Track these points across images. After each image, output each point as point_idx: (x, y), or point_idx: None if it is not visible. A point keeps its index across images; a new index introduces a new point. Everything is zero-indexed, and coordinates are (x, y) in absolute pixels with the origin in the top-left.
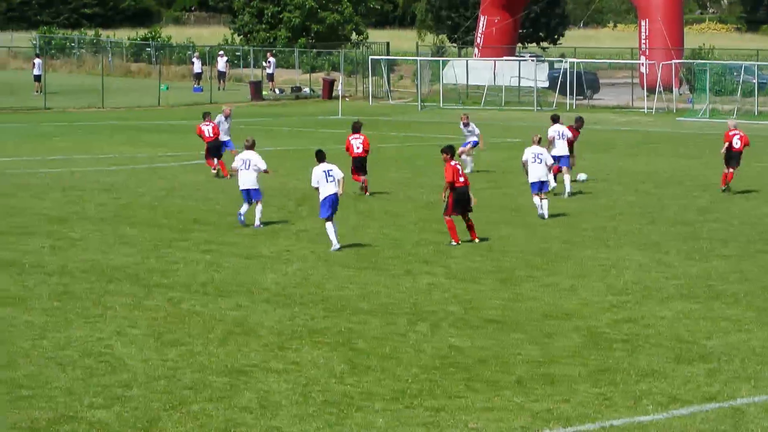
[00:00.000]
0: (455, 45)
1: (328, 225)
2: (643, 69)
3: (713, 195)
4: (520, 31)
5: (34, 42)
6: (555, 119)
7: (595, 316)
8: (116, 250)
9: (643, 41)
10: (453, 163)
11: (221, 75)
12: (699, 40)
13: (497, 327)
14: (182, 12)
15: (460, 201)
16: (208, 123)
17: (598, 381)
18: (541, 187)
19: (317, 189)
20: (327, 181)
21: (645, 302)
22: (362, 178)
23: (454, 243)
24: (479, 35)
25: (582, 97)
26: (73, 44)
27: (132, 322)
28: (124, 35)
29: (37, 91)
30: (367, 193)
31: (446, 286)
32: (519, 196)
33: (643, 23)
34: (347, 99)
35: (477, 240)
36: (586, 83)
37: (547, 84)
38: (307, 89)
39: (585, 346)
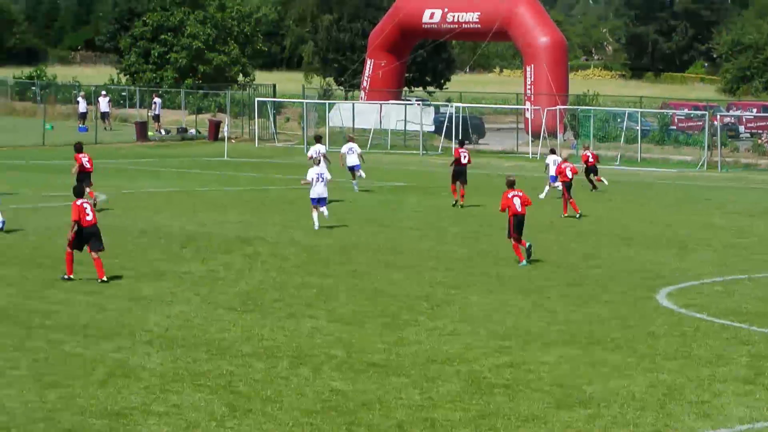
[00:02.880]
0: (342, 88)
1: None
2: (528, 114)
3: (595, 240)
4: (407, 75)
5: None
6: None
7: (477, 361)
8: None
9: (528, 86)
10: None
11: (104, 115)
12: (584, 86)
13: (380, 371)
14: (69, 51)
15: None
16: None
17: (479, 426)
18: None
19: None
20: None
21: (527, 347)
22: None
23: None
24: (366, 78)
25: (468, 142)
26: None
27: (12, 363)
28: (9, 73)
29: None
30: None
31: (329, 329)
32: (402, 238)
33: (528, 69)
34: (233, 141)
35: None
36: (472, 128)
37: (433, 128)
38: (193, 130)
39: (466, 390)
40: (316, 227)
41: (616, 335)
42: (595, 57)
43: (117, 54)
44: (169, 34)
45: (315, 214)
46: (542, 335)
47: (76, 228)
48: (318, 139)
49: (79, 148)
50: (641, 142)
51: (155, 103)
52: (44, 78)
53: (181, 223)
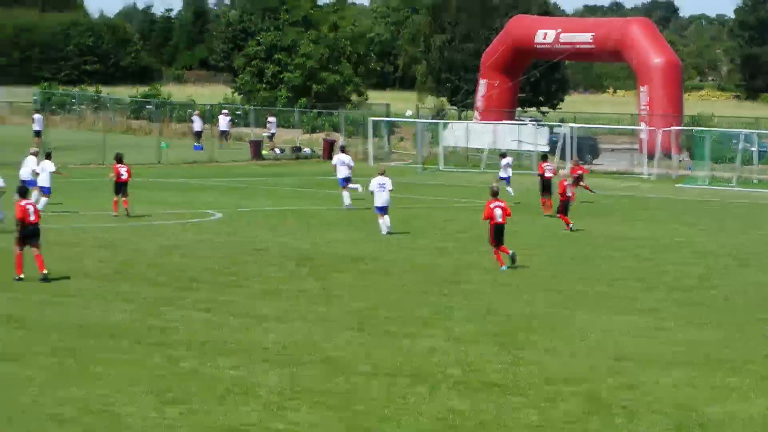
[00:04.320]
0: (455, 107)
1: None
2: (643, 135)
3: (712, 262)
4: (520, 95)
5: (35, 97)
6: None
7: (595, 382)
8: (116, 307)
9: (642, 107)
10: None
11: (223, 133)
12: (698, 107)
13: (497, 391)
14: (183, 70)
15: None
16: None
17: None
18: None
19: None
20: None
21: (644, 369)
22: None
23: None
24: (479, 98)
25: (582, 162)
26: (74, 100)
27: (132, 380)
28: (125, 92)
29: (36, 147)
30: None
31: (446, 348)
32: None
33: (642, 89)
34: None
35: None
36: (586, 148)
37: (547, 148)
38: (307, 149)
39: (585, 411)
40: (384, 233)
41: (734, 357)
42: (709, 78)
43: (231, 73)
44: (282, 53)
45: (380, 221)
46: (660, 357)
47: (20, 227)
48: (342, 149)
49: (119, 158)
50: (758, 163)
51: (270, 122)
52: (159, 97)
53: (296, 242)
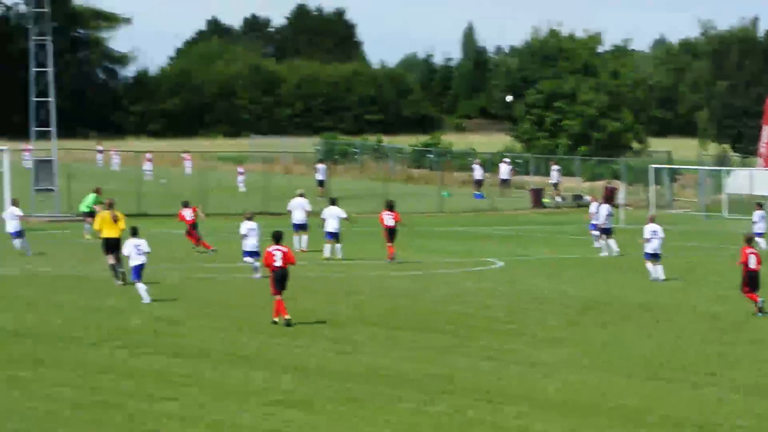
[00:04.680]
0: (738, 154)
1: None
2: None
3: None
4: None
5: (318, 147)
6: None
7: None
8: (398, 354)
9: None
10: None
11: (504, 182)
12: None
13: None
14: (463, 119)
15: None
16: (188, 209)
17: None
18: None
19: None
20: None
21: None
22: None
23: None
24: (763, 145)
25: None
26: (355, 150)
27: (415, 428)
28: (405, 141)
29: (320, 196)
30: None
31: (734, 399)
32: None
33: None
34: (629, 208)
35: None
36: None
37: None
38: (588, 197)
39: None
40: (652, 278)
41: None
42: None
43: (511, 121)
44: (562, 101)
45: (649, 267)
46: None
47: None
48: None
49: (390, 206)
50: None
51: (555, 170)
52: (440, 146)
53: (575, 290)
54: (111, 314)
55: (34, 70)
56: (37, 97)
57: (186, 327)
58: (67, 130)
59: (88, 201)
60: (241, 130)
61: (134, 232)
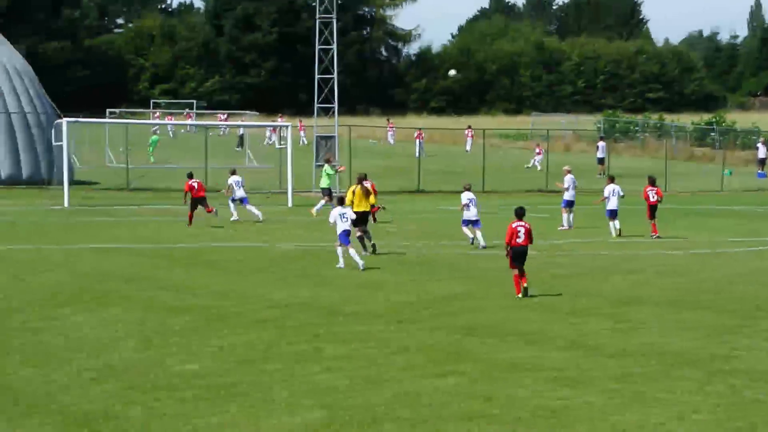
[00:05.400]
0: None
1: None
2: None
3: None
4: None
5: (599, 125)
6: None
7: None
8: (676, 334)
9: None
10: None
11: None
12: None
13: None
14: (747, 97)
15: None
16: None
17: None
18: None
19: None
20: None
21: None
22: None
23: None
24: None
25: None
26: (636, 128)
27: (694, 407)
28: (687, 119)
29: (600, 174)
30: None
31: None
32: None
33: None
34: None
35: None
36: None
37: None
38: None
39: None
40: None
41: None
42: None
43: None
44: None
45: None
46: None
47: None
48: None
49: (652, 181)
50: None
51: None
52: (723, 124)
53: None
54: (382, 289)
55: (318, 47)
56: (320, 74)
57: (458, 303)
58: (349, 107)
59: (324, 174)
60: (522, 108)
61: (341, 202)
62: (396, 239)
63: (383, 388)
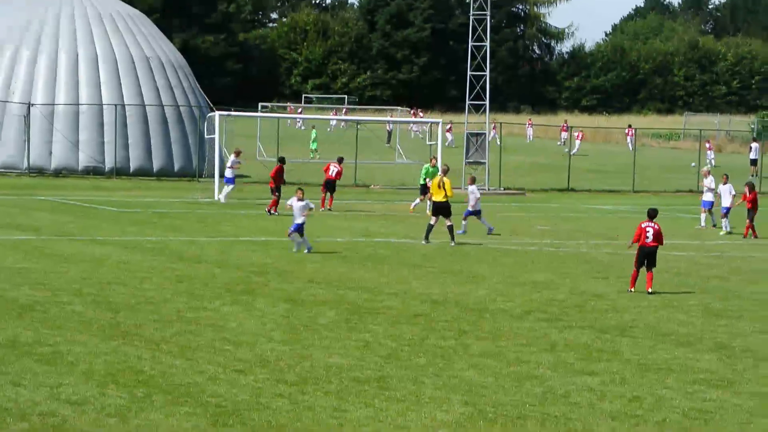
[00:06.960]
0: None
1: None
2: None
3: None
4: None
5: (753, 126)
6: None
7: None
8: None
9: None
10: None
11: None
12: None
13: None
14: None
15: None
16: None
17: None
18: None
19: None
20: None
21: None
22: None
23: None
24: None
25: None
26: None
27: None
28: None
29: (752, 175)
30: None
31: None
32: None
33: None
34: None
35: None
36: None
37: None
38: None
39: None
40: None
41: None
42: None
43: None
44: None
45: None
46: None
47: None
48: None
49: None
50: None
51: None
52: None
53: None
54: (535, 287)
55: (471, 44)
56: (472, 71)
57: (609, 302)
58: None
59: (423, 173)
60: (674, 107)
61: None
62: (549, 237)
63: (530, 385)
